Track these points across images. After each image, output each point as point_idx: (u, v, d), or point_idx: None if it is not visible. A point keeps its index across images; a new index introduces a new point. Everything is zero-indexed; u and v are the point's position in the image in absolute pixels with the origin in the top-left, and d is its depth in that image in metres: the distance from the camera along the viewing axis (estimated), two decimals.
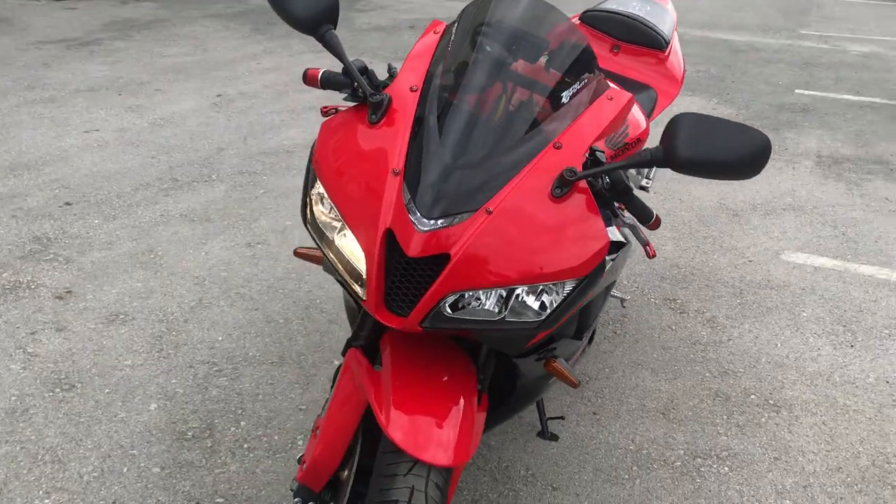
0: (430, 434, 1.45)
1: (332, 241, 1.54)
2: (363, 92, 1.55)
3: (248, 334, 2.98)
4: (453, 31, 1.63)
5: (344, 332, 3.02)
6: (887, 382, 2.88)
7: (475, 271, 1.40)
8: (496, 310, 1.45)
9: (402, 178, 1.44)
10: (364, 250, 1.44)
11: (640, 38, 2.65)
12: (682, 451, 2.50)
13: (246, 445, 2.43)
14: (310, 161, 1.62)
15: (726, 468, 2.44)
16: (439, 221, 1.41)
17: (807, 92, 6.77)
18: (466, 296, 1.44)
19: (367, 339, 1.70)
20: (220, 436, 2.46)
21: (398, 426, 1.45)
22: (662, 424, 2.62)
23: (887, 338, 3.16)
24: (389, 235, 1.43)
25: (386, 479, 1.46)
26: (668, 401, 2.72)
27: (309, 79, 1.69)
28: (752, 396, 2.78)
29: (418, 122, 1.50)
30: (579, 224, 1.45)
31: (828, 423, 2.66)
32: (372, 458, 1.66)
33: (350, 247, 1.51)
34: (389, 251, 1.44)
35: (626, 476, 2.39)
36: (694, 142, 1.36)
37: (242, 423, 2.52)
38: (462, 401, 1.54)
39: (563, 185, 1.44)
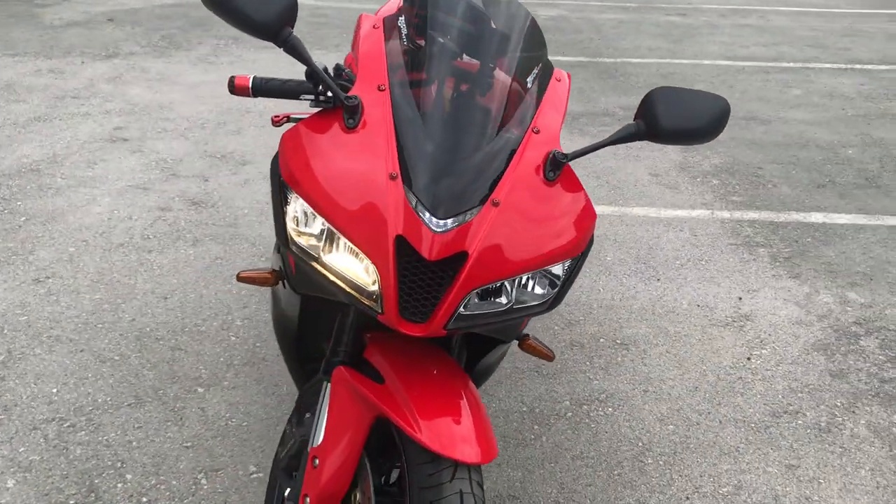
0: (458, 434, 1.44)
1: (321, 259, 1.44)
2: (335, 96, 1.46)
3: (85, 379, 2.65)
4: (401, 25, 1.58)
5: (192, 357, 2.80)
6: (699, 306, 3.29)
7: (493, 265, 1.39)
8: (504, 300, 1.46)
9: (400, 182, 1.39)
10: (375, 262, 1.37)
11: None
12: (568, 402, 2.68)
13: (144, 499, 2.19)
14: (277, 176, 1.49)
15: (610, 409, 2.65)
16: (451, 220, 1.38)
17: None
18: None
19: (347, 353, 1.62)
20: (109, 495, 2.19)
21: (431, 433, 1.41)
22: (541, 381, 2.77)
23: (682, 267, 3.59)
24: (399, 242, 1.38)
25: (432, 490, 1.42)
26: (536, 359, 2.88)
27: (238, 89, 1.55)
28: (602, 340, 3.03)
29: (397, 121, 1.44)
30: (572, 203, 1.50)
31: (670, 350, 2.99)
32: (380, 474, 1.60)
33: (345, 262, 1.43)
34: (399, 258, 1.39)
35: (532, 436, 2.51)
36: (671, 113, 1.46)
37: (128, 476, 2.26)
38: (468, 394, 1.53)
39: (556, 168, 1.48)
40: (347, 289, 1.42)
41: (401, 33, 1.55)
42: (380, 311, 1.39)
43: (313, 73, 1.46)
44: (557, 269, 1.50)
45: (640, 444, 2.50)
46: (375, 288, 1.40)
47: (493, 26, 1.58)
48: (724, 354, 2.97)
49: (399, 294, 1.38)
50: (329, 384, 1.60)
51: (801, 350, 3.03)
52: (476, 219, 1.39)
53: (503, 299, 1.46)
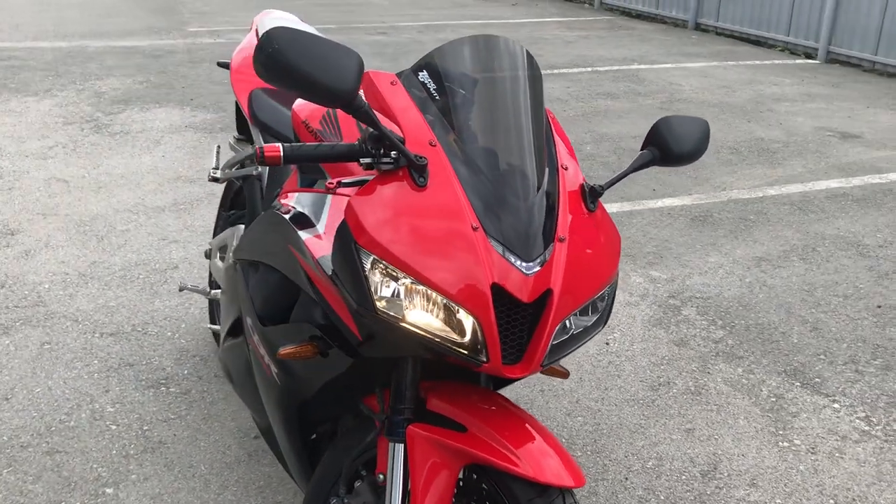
0: (554, 462, 1.51)
1: (406, 319, 1.44)
2: (405, 157, 1.45)
3: None
4: (423, 80, 1.58)
5: (78, 457, 2.50)
6: None
7: (570, 297, 1.49)
8: (569, 326, 1.56)
9: (482, 232, 1.43)
10: (475, 312, 1.39)
11: None
12: None
13: None
14: (352, 243, 1.44)
15: None
16: (535, 262, 1.45)
17: None
18: None
19: (412, 410, 1.61)
20: None
21: (535, 466, 1.47)
22: None
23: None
24: (494, 290, 1.42)
25: None
26: None
27: (269, 160, 1.48)
28: None
29: (458, 175, 1.48)
30: (608, 228, 1.63)
31: None
32: None
33: (428, 318, 1.43)
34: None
35: None
36: (677, 140, 1.66)
37: None
38: (534, 423, 1.60)
39: (594, 199, 1.61)
40: (444, 343, 1.42)
41: (426, 89, 1.57)
42: (485, 359, 1.42)
43: (382, 136, 1.44)
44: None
45: (563, 439, 2.69)
46: (469, 338, 1.42)
47: (504, 72, 1.65)
48: (587, 344, 3.27)
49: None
50: (399, 445, 1.58)
51: (642, 328, 3.43)
52: (552, 257, 1.47)
53: (570, 326, 1.55)
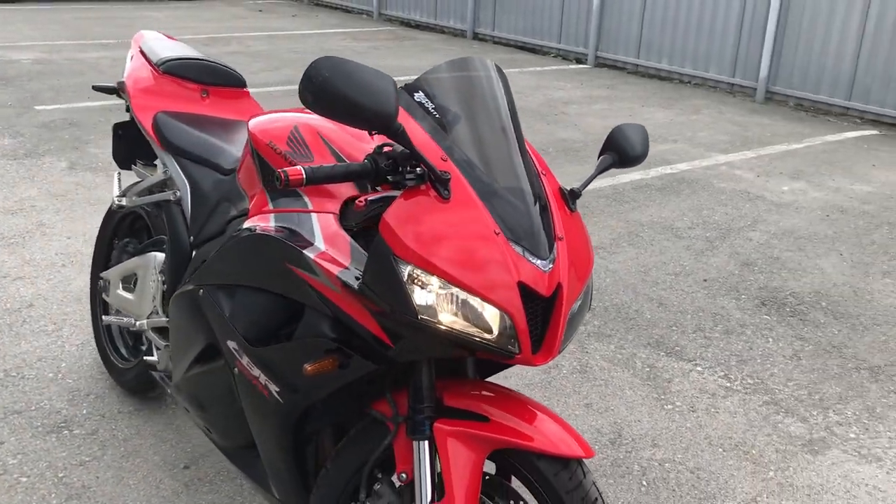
0: (569, 436, 1.69)
1: (441, 321, 1.55)
2: (431, 173, 1.55)
3: None
4: (422, 100, 1.69)
5: None
6: None
7: (573, 289, 1.68)
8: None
9: (503, 237, 1.58)
10: (507, 309, 1.53)
11: (221, 79, 2.70)
12: None
13: None
14: (390, 255, 1.53)
15: None
16: (550, 259, 1.63)
17: (49, 107, 6.74)
18: None
19: (433, 409, 1.71)
20: None
21: (558, 443, 1.65)
22: None
23: None
24: (519, 287, 1.57)
25: (578, 490, 1.64)
26: None
27: (293, 182, 1.54)
28: None
29: (472, 185, 1.61)
30: (583, 226, 1.84)
31: None
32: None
33: (460, 318, 1.56)
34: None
35: None
36: (631, 144, 1.89)
37: None
38: (536, 403, 1.78)
39: (574, 201, 1.80)
40: (476, 340, 1.55)
41: (424, 108, 1.68)
42: (517, 351, 1.57)
43: (416, 156, 1.54)
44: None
45: None
46: (496, 333, 1.56)
47: (485, 87, 1.78)
48: None
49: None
50: (423, 442, 1.69)
51: None
52: (558, 254, 1.65)
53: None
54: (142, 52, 2.73)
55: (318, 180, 1.57)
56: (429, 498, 1.67)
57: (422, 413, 1.70)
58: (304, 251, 1.70)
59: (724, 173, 6.02)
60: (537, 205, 1.66)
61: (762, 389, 3.24)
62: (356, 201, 1.59)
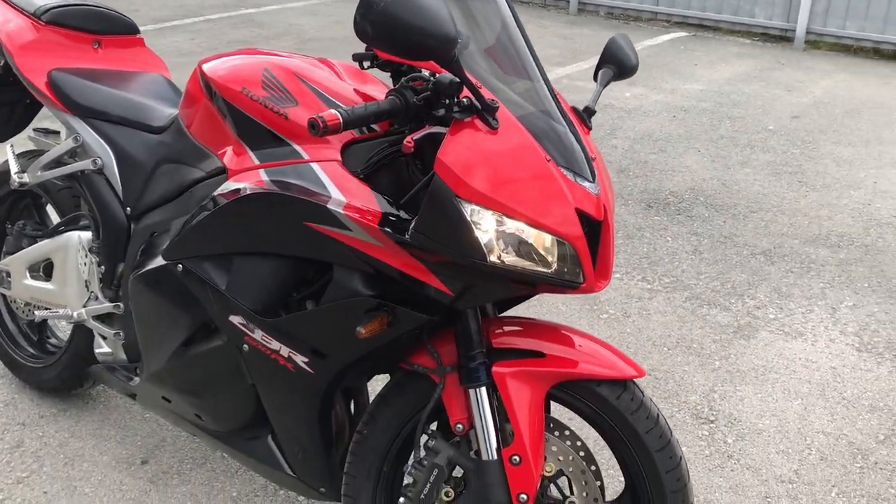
0: (619, 359, 1.66)
1: (505, 261, 1.46)
2: (481, 102, 1.43)
3: None
4: None
5: None
6: None
7: (612, 208, 1.64)
8: None
9: (554, 163, 1.50)
10: (570, 237, 1.46)
11: (113, 26, 2.36)
12: None
13: None
14: (452, 197, 1.40)
15: None
16: (596, 181, 1.57)
17: None
18: None
19: (484, 353, 1.63)
20: None
21: (613, 367, 1.63)
22: None
23: None
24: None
25: (641, 410, 1.62)
26: None
27: (332, 127, 1.38)
28: None
29: (513, 112, 1.51)
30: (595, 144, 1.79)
31: None
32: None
33: (523, 255, 1.48)
34: None
35: None
36: (630, 54, 1.84)
37: None
38: (575, 329, 1.74)
39: (589, 119, 1.74)
40: (541, 274, 1.47)
41: None
42: (582, 280, 1.51)
43: (470, 87, 1.41)
44: None
45: None
46: (557, 265, 1.49)
47: (493, 9, 1.66)
48: None
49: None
50: (481, 389, 1.61)
51: None
52: (599, 175, 1.59)
53: None
54: (7, 3, 2.33)
55: (354, 123, 1.41)
56: (494, 444, 1.60)
57: (475, 360, 1.61)
58: (327, 206, 1.53)
59: (568, 86, 6.15)
60: (568, 126, 1.59)
61: (680, 286, 3.39)
62: (404, 142, 1.44)
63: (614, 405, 1.62)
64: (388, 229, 1.48)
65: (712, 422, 2.56)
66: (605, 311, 3.19)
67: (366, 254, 1.52)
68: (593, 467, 1.68)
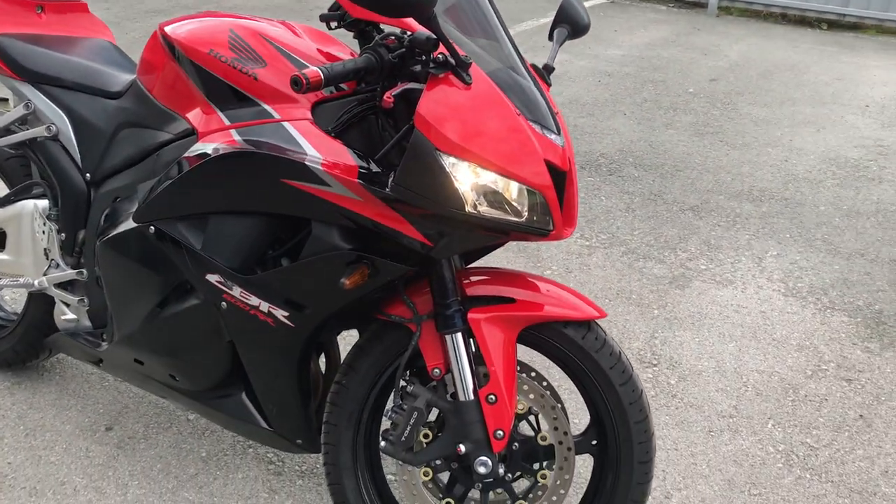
0: (581, 301, 1.76)
1: (480, 211, 1.54)
2: (455, 57, 1.49)
3: None
4: None
5: None
6: None
7: (573, 161, 1.73)
8: None
9: (524, 117, 1.58)
10: (541, 187, 1.55)
11: None
12: None
13: None
14: (432, 150, 1.46)
15: None
16: (560, 133, 1.66)
17: None
18: None
19: (459, 301, 1.70)
20: None
21: (580, 309, 1.73)
22: None
23: None
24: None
25: (605, 348, 1.74)
26: None
27: (313, 84, 1.43)
28: None
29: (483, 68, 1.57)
30: None
31: None
32: None
33: (497, 205, 1.56)
34: None
35: None
36: (583, 13, 1.92)
37: None
38: (539, 276, 1.84)
39: (549, 74, 1.82)
40: (513, 223, 1.56)
41: None
42: (552, 227, 1.60)
43: (443, 41, 1.47)
44: None
45: None
46: (527, 214, 1.57)
47: None
48: None
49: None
50: (457, 335, 1.69)
51: None
52: (563, 128, 1.69)
53: None
54: None
55: (334, 80, 1.46)
56: (471, 386, 1.69)
57: (451, 307, 1.69)
58: (305, 163, 1.58)
59: None
60: (532, 81, 1.67)
61: (617, 242, 3.54)
62: (384, 98, 1.50)
63: (580, 344, 1.72)
64: (369, 183, 1.54)
65: (655, 365, 2.71)
66: (548, 267, 3.31)
67: (346, 208, 1.58)
68: (559, 405, 1.79)
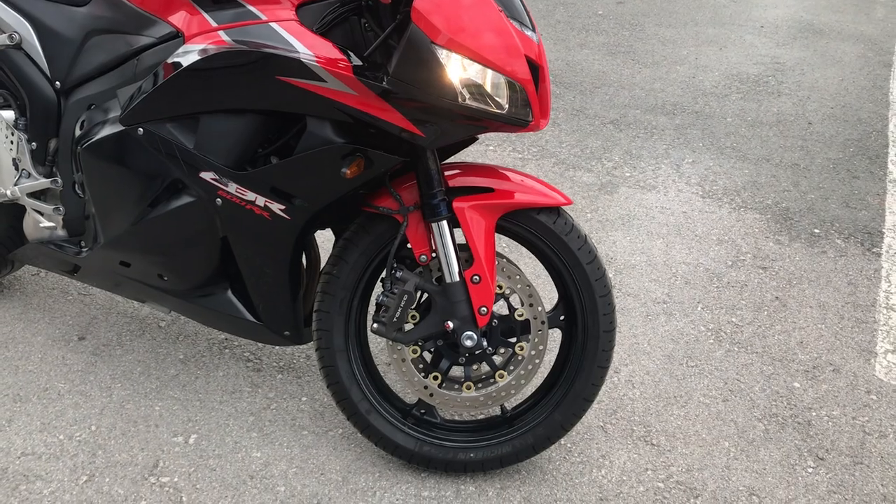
0: (550, 189, 1.92)
1: (469, 102, 1.67)
2: None
3: None
4: None
5: None
6: None
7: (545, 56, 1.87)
8: None
9: (503, 13, 1.71)
10: (522, 80, 1.68)
11: None
12: None
13: None
14: (428, 44, 1.57)
15: None
16: (535, 29, 1.79)
17: None
18: None
19: (443, 192, 1.84)
20: None
21: (548, 197, 1.89)
22: None
23: None
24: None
25: (573, 232, 1.91)
26: None
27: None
28: None
29: None
30: None
31: None
32: None
33: (482, 97, 1.69)
34: None
35: None
36: None
37: None
38: (510, 168, 1.99)
39: None
40: (498, 112, 1.70)
41: None
42: (531, 118, 1.75)
43: None
44: None
45: None
46: (512, 105, 1.70)
47: None
48: None
49: None
50: (443, 222, 1.83)
51: None
52: (535, 25, 1.82)
53: None
54: None
55: None
56: (456, 268, 1.84)
57: (436, 197, 1.82)
58: (301, 60, 1.67)
59: None
60: None
61: (547, 154, 3.73)
62: None
63: (552, 229, 1.89)
64: (362, 77, 1.65)
65: None
66: None
67: (341, 103, 1.68)
68: (531, 285, 1.97)
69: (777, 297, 2.79)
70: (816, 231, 3.21)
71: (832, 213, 3.34)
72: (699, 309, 2.71)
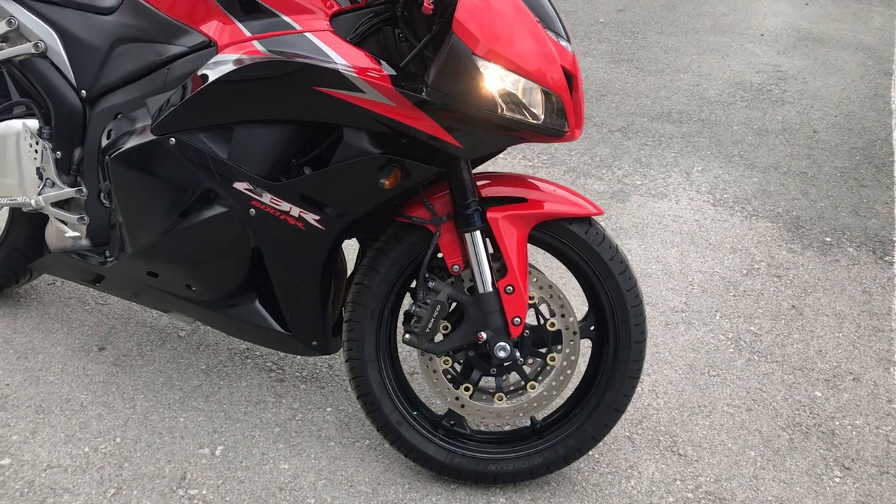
0: (582, 199, 1.93)
1: (505, 113, 1.67)
2: None
3: None
4: None
5: None
6: None
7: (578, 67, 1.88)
8: None
9: (542, 25, 1.71)
10: (559, 90, 1.68)
11: None
12: None
13: None
14: (470, 55, 1.57)
15: None
16: (570, 41, 1.80)
17: None
18: None
19: (477, 202, 1.83)
20: None
21: (580, 207, 1.90)
22: None
23: None
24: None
25: (605, 242, 1.92)
26: None
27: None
28: None
29: None
30: None
31: None
32: None
33: (521, 108, 1.69)
34: None
35: None
36: None
37: None
38: (541, 178, 1.99)
39: None
40: (535, 123, 1.70)
41: None
42: (566, 129, 1.75)
43: None
44: None
45: None
46: (549, 116, 1.70)
47: None
48: None
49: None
50: (476, 233, 1.83)
51: None
52: (568, 34, 1.83)
53: None
54: None
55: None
56: (489, 279, 1.84)
57: (470, 207, 1.82)
58: (339, 70, 1.66)
59: None
60: None
61: (557, 162, 3.74)
62: (424, 6, 1.59)
63: (584, 239, 1.90)
64: (402, 88, 1.64)
65: None
66: None
67: (379, 114, 1.67)
68: (563, 295, 1.97)
69: (793, 306, 2.80)
70: (828, 239, 3.22)
71: (842, 221, 3.36)
72: (717, 318, 2.71)
